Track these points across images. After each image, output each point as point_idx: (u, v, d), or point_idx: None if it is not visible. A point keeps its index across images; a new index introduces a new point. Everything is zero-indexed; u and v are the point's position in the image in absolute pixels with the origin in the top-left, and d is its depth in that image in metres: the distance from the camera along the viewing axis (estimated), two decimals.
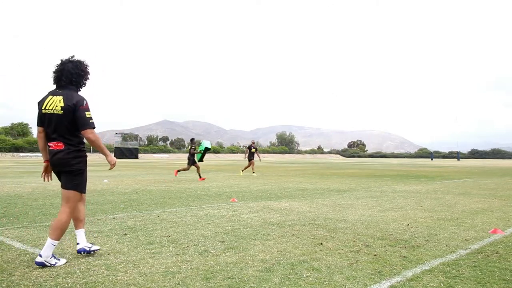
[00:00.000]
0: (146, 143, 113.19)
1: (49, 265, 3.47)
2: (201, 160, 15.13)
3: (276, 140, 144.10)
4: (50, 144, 3.64)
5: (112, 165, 3.83)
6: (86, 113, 3.58)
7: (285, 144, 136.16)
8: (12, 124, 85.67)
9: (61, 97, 3.57)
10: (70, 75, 3.65)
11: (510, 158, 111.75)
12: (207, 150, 15.08)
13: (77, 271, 3.33)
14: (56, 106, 3.55)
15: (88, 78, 3.84)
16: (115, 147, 66.48)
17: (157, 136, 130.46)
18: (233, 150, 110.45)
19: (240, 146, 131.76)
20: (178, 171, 15.35)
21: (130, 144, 68.13)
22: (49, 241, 3.53)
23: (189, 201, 8.10)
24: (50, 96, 3.64)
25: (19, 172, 19.33)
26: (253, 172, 18.29)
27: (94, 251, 3.83)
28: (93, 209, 6.80)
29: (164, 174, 18.05)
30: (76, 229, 3.89)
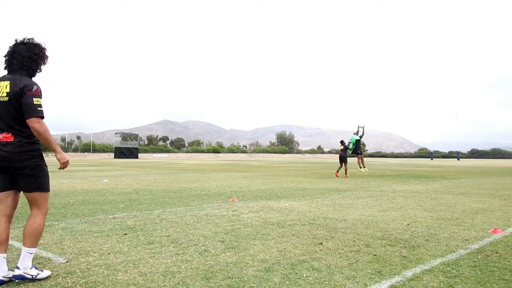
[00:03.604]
0: (146, 143, 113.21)
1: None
2: (353, 152, 17.50)
3: (276, 140, 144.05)
4: None
5: (63, 164, 3.24)
6: (35, 99, 3.08)
7: (285, 144, 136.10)
8: None
9: (7, 82, 3.13)
10: (22, 58, 3.19)
11: (510, 158, 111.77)
12: (358, 142, 17.23)
13: (77, 271, 3.33)
14: (2, 93, 3.11)
15: (44, 63, 3.34)
16: (115, 147, 66.55)
17: (157, 136, 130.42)
18: (233, 150, 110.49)
19: (240, 146, 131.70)
20: (337, 172, 16.79)
21: (130, 144, 68.19)
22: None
23: (189, 201, 8.10)
24: None
25: None
26: (362, 167, 17.08)
27: None
28: (93, 209, 6.80)
29: (164, 174, 18.05)
30: None
